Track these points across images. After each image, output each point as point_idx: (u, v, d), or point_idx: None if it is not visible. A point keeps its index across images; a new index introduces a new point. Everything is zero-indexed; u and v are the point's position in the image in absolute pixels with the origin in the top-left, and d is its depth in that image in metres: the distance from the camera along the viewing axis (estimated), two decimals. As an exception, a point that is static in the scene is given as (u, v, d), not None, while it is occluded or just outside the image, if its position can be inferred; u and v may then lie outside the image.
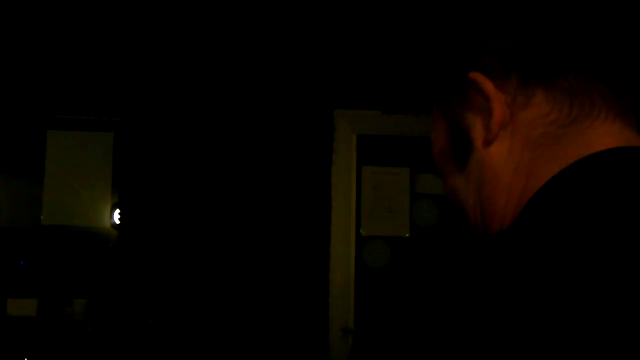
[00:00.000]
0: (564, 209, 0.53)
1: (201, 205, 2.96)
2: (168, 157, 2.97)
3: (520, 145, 0.61)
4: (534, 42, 0.60)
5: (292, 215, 2.98)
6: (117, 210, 3.00)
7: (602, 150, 0.57)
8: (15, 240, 3.04)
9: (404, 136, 3.12)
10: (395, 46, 3.07)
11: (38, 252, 3.03)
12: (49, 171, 3.06)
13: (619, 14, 0.61)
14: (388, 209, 3.17)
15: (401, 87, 3.05)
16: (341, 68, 3.07)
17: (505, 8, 0.64)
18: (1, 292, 2.93)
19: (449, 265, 0.52)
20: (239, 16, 3.03)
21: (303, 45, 3.05)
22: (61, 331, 2.89)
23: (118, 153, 3.05)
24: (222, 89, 3.01)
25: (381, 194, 3.17)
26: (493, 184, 0.63)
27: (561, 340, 0.42)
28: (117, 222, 2.99)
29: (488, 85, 0.61)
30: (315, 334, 2.96)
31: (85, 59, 2.98)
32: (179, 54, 3.00)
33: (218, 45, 3.02)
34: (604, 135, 0.58)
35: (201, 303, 2.90)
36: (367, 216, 3.15)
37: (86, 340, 2.88)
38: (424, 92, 2.96)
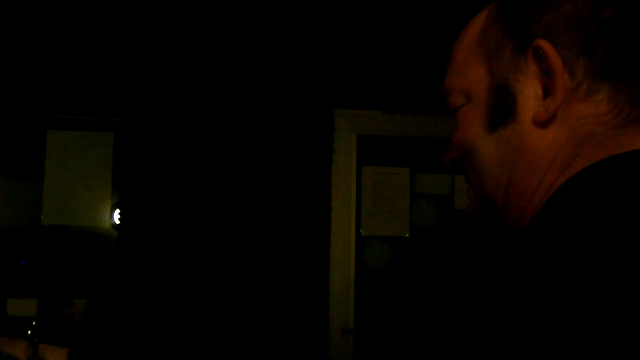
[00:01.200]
0: (584, 206, 0.51)
1: (201, 205, 2.96)
2: (168, 157, 2.97)
3: (565, 138, 0.58)
4: (619, 33, 0.56)
5: (292, 215, 2.98)
6: (117, 210, 3.00)
7: (633, 150, 0.55)
8: (15, 240, 3.04)
9: (404, 136, 3.12)
10: (396, 46, 3.07)
11: (38, 252, 3.03)
12: (49, 171, 3.06)
13: None
14: (388, 209, 3.17)
15: (401, 87, 3.05)
16: (341, 68, 3.07)
17: None
18: (1, 292, 2.93)
19: (492, 264, 0.50)
20: (239, 16, 3.03)
21: (303, 45, 3.05)
22: (61, 331, 2.88)
23: (118, 153, 3.05)
24: (222, 89, 3.01)
25: (381, 194, 3.17)
26: (529, 170, 0.59)
27: (583, 336, 0.42)
28: (117, 222, 2.99)
29: (557, 63, 0.57)
30: (315, 334, 2.96)
31: (85, 59, 2.98)
32: (179, 54, 3.00)
33: (218, 46, 3.02)
34: None
35: (201, 303, 2.90)
36: (367, 216, 3.15)
37: (86, 340, 2.88)
38: (424, 91, 2.96)
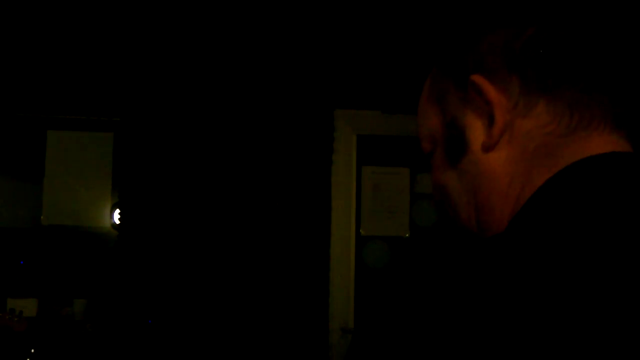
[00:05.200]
0: (555, 212, 0.53)
1: (201, 205, 2.96)
2: (168, 157, 2.97)
3: (517, 154, 0.61)
4: (541, 48, 0.59)
5: (292, 215, 2.98)
6: (117, 210, 3.00)
7: (594, 154, 0.57)
8: (15, 240, 3.04)
9: (404, 136, 3.12)
10: (396, 46, 3.07)
11: (38, 252, 3.03)
12: (49, 171, 3.06)
13: (620, 25, 0.61)
14: (388, 209, 3.17)
15: (401, 87, 3.05)
16: (341, 68, 3.07)
17: (511, 6, 0.64)
18: (1, 292, 2.93)
19: (448, 266, 0.52)
20: (239, 16, 3.03)
21: (303, 46, 3.05)
22: (61, 331, 2.89)
23: (118, 153, 3.05)
24: (222, 89, 3.01)
25: (381, 194, 3.17)
26: (490, 190, 0.63)
27: (557, 339, 0.43)
28: (117, 222, 2.99)
29: (491, 93, 0.61)
30: (315, 334, 2.96)
31: (85, 59, 2.98)
32: (178, 54, 3.00)
33: (218, 46, 3.02)
34: (601, 144, 0.58)
35: (201, 303, 2.90)
36: (367, 216, 3.15)
37: (86, 340, 2.88)
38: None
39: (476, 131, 0.63)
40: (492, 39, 0.62)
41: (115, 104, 2.99)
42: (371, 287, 3.09)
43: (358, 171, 3.14)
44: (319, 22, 3.06)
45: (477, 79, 0.62)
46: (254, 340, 2.91)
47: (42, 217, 3.04)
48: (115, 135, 3.06)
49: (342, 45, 3.07)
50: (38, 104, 2.99)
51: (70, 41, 2.97)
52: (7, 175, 3.08)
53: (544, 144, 0.59)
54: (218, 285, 2.92)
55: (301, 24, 3.05)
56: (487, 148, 0.62)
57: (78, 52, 2.98)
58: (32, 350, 2.74)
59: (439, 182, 0.70)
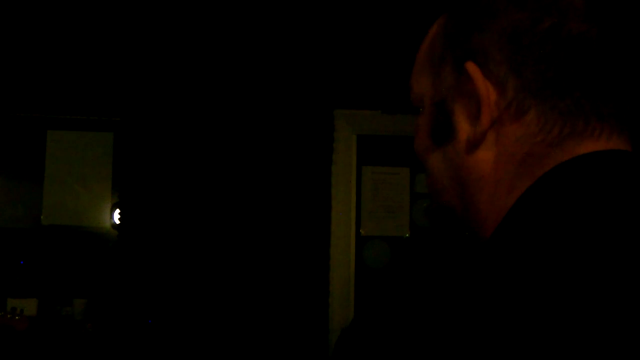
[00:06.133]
0: (541, 217, 0.52)
1: (201, 205, 2.96)
2: (168, 157, 2.97)
3: (505, 159, 0.58)
4: (547, 47, 0.56)
5: (292, 215, 2.98)
6: (117, 210, 3.00)
7: (581, 154, 0.55)
8: (15, 240, 3.04)
9: (404, 136, 3.12)
10: (396, 46, 3.07)
11: (38, 252, 3.03)
12: (49, 171, 3.06)
13: (617, 31, 0.58)
14: (388, 209, 3.17)
15: (401, 87, 3.04)
16: (341, 68, 3.07)
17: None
18: (1, 292, 2.93)
19: (439, 272, 0.52)
20: (239, 16, 3.03)
21: (303, 45, 3.05)
22: (61, 331, 2.89)
23: (118, 153, 3.05)
24: (222, 89, 3.01)
25: (381, 194, 3.17)
26: (476, 190, 0.61)
27: (546, 340, 0.42)
28: (117, 222, 2.99)
29: (481, 86, 0.58)
30: (315, 334, 2.96)
31: (85, 59, 2.98)
32: (178, 54, 3.00)
33: (218, 46, 3.02)
34: (592, 148, 0.56)
35: (201, 303, 2.90)
36: (367, 216, 3.15)
37: (86, 340, 2.88)
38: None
39: (465, 122, 0.60)
40: (504, 22, 0.58)
41: (115, 104, 2.99)
42: (371, 287, 3.09)
43: (358, 171, 3.14)
44: (319, 22, 3.06)
45: (471, 67, 0.58)
46: (254, 340, 2.91)
47: (42, 217, 3.04)
48: (115, 135, 3.06)
49: (342, 45, 3.07)
50: (38, 104, 2.99)
51: (70, 41, 2.97)
52: (7, 175, 3.08)
53: (532, 152, 0.57)
54: (218, 286, 2.92)
55: (301, 24, 3.05)
56: (472, 144, 0.60)
57: (78, 52, 2.98)
58: (33, 350, 2.74)
59: (419, 151, 0.67)
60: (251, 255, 2.94)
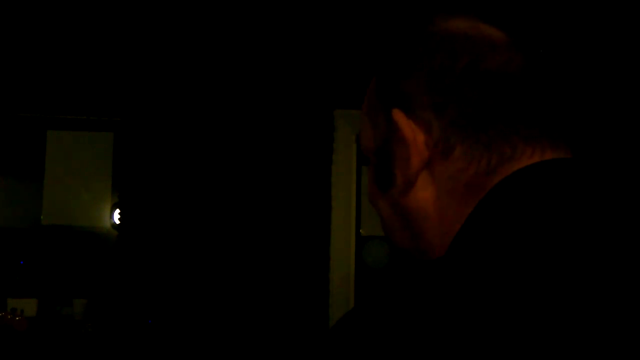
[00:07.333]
0: (487, 224, 0.53)
1: (201, 205, 2.96)
2: (168, 157, 2.97)
3: (446, 194, 0.60)
4: (465, 87, 0.58)
5: (292, 215, 2.98)
6: (117, 210, 3.00)
7: (521, 167, 0.56)
8: (15, 240, 3.05)
9: (404, 136, 3.12)
10: (395, 46, 3.06)
11: (38, 252, 3.04)
12: (49, 171, 3.06)
13: (536, 58, 0.60)
14: (388, 209, 3.17)
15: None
16: (341, 68, 3.07)
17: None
18: (1, 292, 2.93)
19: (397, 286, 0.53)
20: (239, 16, 3.03)
21: (303, 46, 3.05)
22: (61, 331, 2.89)
23: (118, 153, 3.05)
24: (222, 89, 3.02)
25: (381, 194, 3.17)
26: (426, 227, 0.62)
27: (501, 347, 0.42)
28: (117, 222, 2.99)
29: (406, 131, 0.60)
30: (315, 333, 2.96)
31: (85, 59, 2.98)
32: (178, 54, 3.00)
33: (218, 46, 3.02)
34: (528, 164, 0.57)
35: (201, 303, 2.90)
36: (367, 216, 3.15)
37: (86, 340, 2.88)
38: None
39: (398, 167, 0.62)
40: (426, 64, 0.60)
41: (115, 104, 2.99)
42: (371, 287, 3.09)
43: (358, 171, 3.14)
44: (319, 23, 3.06)
45: (396, 114, 0.61)
46: (253, 340, 2.91)
47: (41, 217, 3.04)
48: (115, 135, 3.07)
49: (341, 45, 3.07)
50: (38, 104, 2.99)
51: (71, 41, 2.97)
52: (7, 175, 3.08)
53: (471, 183, 0.58)
54: (218, 285, 2.92)
55: (301, 25, 3.05)
56: (407, 186, 0.61)
57: (78, 52, 2.98)
58: (33, 350, 2.75)
59: (371, 198, 0.70)
60: (251, 255, 2.94)
